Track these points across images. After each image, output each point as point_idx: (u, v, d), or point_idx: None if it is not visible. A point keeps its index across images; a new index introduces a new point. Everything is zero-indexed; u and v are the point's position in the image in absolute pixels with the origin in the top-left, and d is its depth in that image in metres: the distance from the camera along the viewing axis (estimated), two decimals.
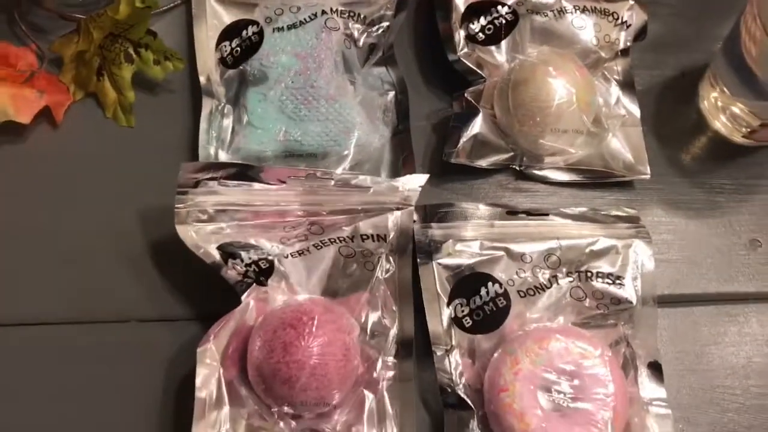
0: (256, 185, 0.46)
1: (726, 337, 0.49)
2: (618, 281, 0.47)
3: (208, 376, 0.42)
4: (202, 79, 0.51)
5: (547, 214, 0.49)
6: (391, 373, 0.45)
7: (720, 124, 0.54)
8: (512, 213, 0.49)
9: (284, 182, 0.46)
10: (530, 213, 0.49)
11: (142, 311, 0.47)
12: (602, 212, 0.49)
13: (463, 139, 0.50)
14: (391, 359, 0.45)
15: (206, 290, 0.47)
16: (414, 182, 0.47)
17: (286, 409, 0.42)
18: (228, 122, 0.50)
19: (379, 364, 0.45)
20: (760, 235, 0.52)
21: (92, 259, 0.48)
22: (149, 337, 0.46)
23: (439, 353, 0.45)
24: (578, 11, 0.52)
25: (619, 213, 0.49)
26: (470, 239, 0.47)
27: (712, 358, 0.49)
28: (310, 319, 0.42)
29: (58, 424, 0.44)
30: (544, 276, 0.47)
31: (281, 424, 0.42)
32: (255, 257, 0.44)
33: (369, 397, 0.44)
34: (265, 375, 0.42)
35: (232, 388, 0.43)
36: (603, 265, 0.47)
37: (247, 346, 0.43)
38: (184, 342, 0.46)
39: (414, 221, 0.47)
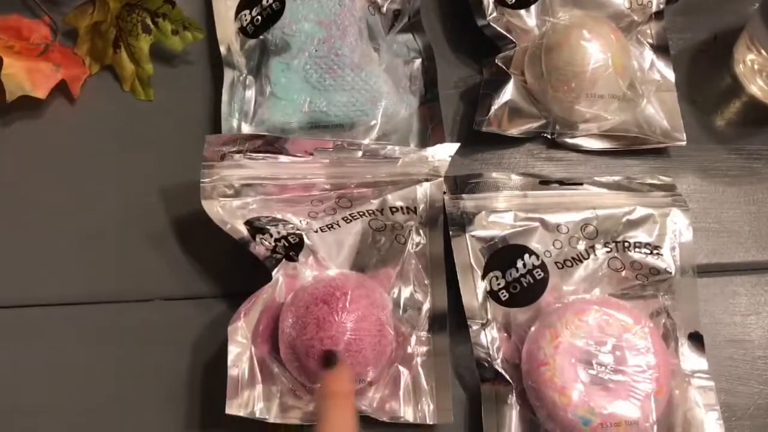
0: (283, 158, 0.44)
1: (766, 306, 0.48)
2: (656, 251, 0.46)
3: (240, 354, 0.41)
4: (223, 50, 0.49)
5: (581, 184, 0.47)
6: (425, 348, 0.44)
7: (756, 87, 0.52)
8: (545, 183, 0.47)
9: (311, 154, 0.44)
10: (563, 182, 0.47)
11: (166, 289, 0.46)
12: (637, 181, 0.48)
13: (495, 106, 0.48)
14: (424, 334, 0.44)
15: (232, 267, 0.46)
16: (443, 152, 0.46)
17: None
18: (250, 93, 0.48)
19: (413, 340, 0.44)
20: None
21: (114, 236, 0.47)
22: (175, 316, 0.45)
23: (474, 327, 0.44)
24: None
25: (654, 181, 0.48)
26: (503, 210, 0.46)
27: (752, 328, 0.47)
28: (343, 294, 0.41)
29: (84, 405, 0.43)
30: (581, 246, 0.45)
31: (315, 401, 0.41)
32: (284, 232, 0.43)
33: (404, 373, 0.43)
34: (299, 352, 0.40)
35: (264, 366, 0.42)
36: (640, 235, 0.46)
37: (278, 323, 0.42)
38: (211, 320, 0.45)
39: (444, 192, 0.46)
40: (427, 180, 0.46)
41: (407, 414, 0.42)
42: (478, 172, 0.47)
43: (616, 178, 0.48)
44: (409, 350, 0.43)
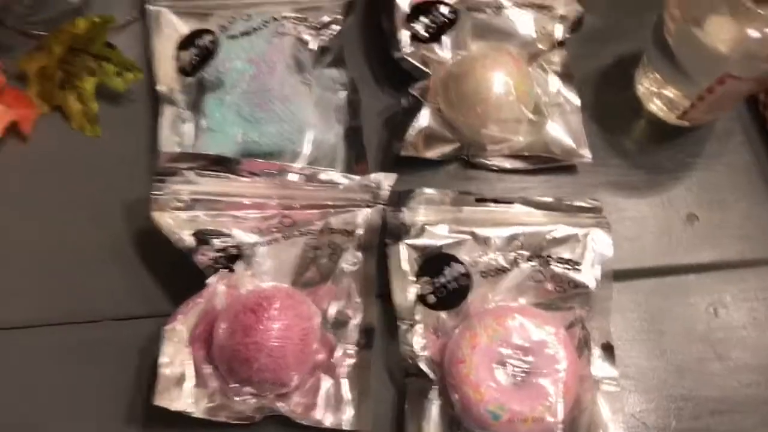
0: (232, 177, 0.48)
1: (669, 308, 0.52)
2: (576, 267, 0.49)
3: (174, 354, 0.44)
4: (163, 88, 0.53)
5: (513, 203, 0.51)
6: (351, 361, 0.47)
7: (655, 107, 0.57)
8: (481, 200, 0.51)
9: (258, 175, 0.48)
10: (498, 201, 0.51)
11: (116, 310, 0.49)
12: (566, 202, 0.51)
13: (412, 132, 0.52)
14: (351, 347, 0.48)
15: (177, 287, 0.48)
16: (385, 181, 0.50)
17: (246, 388, 0.44)
18: (189, 128, 0.52)
19: (339, 352, 0.47)
20: (697, 210, 0.55)
21: (64, 263, 0.50)
22: (123, 335, 0.48)
23: (403, 327, 0.48)
24: (515, 6, 0.55)
25: (583, 204, 0.51)
26: (439, 223, 0.50)
27: (657, 327, 0.51)
28: (270, 304, 0.44)
29: (32, 423, 0.46)
30: (507, 259, 0.49)
31: (242, 402, 0.45)
32: (225, 244, 0.47)
33: (327, 381, 0.47)
34: (227, 355, 0.44)
35: (197, 366, 0.45)
36: (563, 251, 0.50)
37: (213, 329, 0.45)
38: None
39: (384, 205, 0.50)
40: (368, 206, 0.50)
41: (326, 419, 0.46)
42: (419, 189, 0.51)
43: (547, 199, 0.51)
44: (333, 361, 0.47)
